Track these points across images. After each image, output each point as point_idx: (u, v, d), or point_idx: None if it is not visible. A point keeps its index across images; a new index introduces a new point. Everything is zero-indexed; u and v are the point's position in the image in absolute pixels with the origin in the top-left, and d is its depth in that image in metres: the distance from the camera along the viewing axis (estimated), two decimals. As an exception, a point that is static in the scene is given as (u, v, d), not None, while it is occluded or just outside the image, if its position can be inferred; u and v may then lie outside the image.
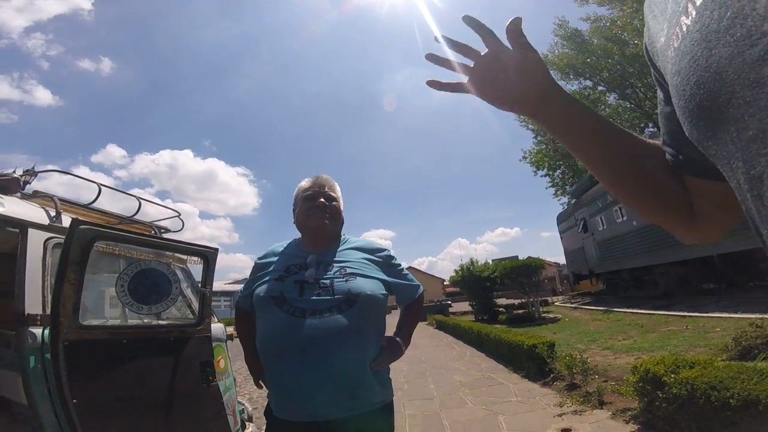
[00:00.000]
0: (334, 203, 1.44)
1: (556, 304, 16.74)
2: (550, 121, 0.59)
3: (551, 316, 11.92)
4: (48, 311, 1.87)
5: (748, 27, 0.27)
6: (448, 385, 5.08)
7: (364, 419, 1.20)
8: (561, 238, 19.13)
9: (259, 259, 1.46)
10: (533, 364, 4.93)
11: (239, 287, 1.71)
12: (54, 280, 1.86)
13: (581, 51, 20.47)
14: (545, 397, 4.01)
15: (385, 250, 1.46)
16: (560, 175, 24.08)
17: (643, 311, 9.08)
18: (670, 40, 0.37)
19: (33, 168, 2.48)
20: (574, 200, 18.01)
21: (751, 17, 0.27)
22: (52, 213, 2.21)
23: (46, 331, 1.81)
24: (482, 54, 0.59)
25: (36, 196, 2.39)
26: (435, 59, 0.63)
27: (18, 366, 1.84)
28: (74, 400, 1.69)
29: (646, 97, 19.55)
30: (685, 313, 7.50)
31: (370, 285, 1.29)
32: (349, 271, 1.30)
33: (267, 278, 1.33)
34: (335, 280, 1.27)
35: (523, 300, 14.49)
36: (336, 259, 1.34)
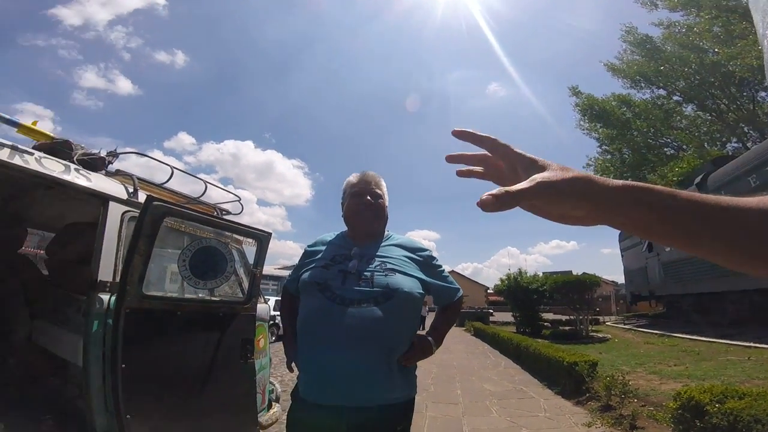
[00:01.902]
0: (379, 200, 1.47)
1: (607, 323, 15.76)
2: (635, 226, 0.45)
3: (600, 335, 11.28)
4: (117, 279, 2.06)
5: None
6: (476, 393, 5.05)
7: (385, 411, 1.24)
8: (622, 255, 17.95)
9: (309, 246, 1.53)
10: (570, 382, 4.77)
11: (287, 273, 1.83)
12: (126, 250, 2.07)
13: (652, 58, 19.04)
14: (575, 415, 3.89)
15: (427, 250, 1.47)
16: (628, 189, 22.37)
17: (703, 338, 8.35)
18: None
19: (115, 150, 2.82)
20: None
21: None
22: (130, 189, 2.45)
23: (113, 298, 2.02)
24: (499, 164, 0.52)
25: (117, 174, 2.69)
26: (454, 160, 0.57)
27: (82, 330, 2.04)
28: (123, 365, 1.85)
29: (729, 109, 17.75)
30: (750, 344, 6.81)
31: (408, 282, 1.31)
32: (389, 266, 1.33)
33: (314, 265, 1.40)
34: (376, 273, 1.30)
35: (572, 317, 13.81)
36: (378, 253, 1.38)
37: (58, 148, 2.44)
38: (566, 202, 0.45)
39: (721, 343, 7.49)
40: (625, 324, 14.72)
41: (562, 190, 0.44)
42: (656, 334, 10.27)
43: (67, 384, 2.38)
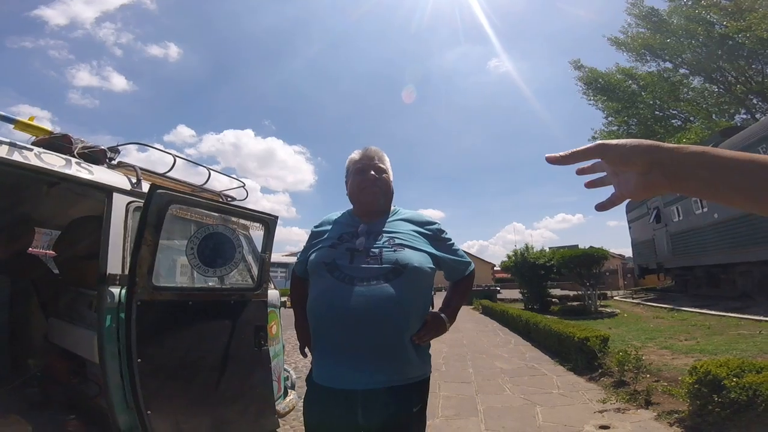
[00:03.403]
0: (384, 175, 1.45)
1: (615, 298, 15.77)
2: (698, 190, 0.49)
3: (609, 310, 11.30)
4: (126, 271, 2.03)
5: None
6: (488, 371, 5.09)
7: (401, 391, 1.22)
8: (629, 227, 17.82)
9: (315, 227, 1.50)
10: (582, 358, 4.78)
11: (295, 259, 1.79)
12: (133, 241, 2.03)
13: (658, 31, 18.61)
14: (589, 392, 3.90)
15: (435, 223, 1.45)
16: (633, 160, 22.27)
17: (712, 312, 8.32)
18: None
19: (116, 146, 2.78)
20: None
21: None
22: (134, 180, 2.43)
23: (123, 291, 2.00)
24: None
25: (120, 166, 2.65)
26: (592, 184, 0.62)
27: (96, 326, 2.03)
28: (138, 360, 1.84)
29: (738, 81, 17.41)
30: (762, 318, 6.78)
31: (418, 257, 1.29)
32: (397, 241, 1.31)
33: (321, 245, 1.38)
34: (384, 249, 1.28)
35: (580, 292, 13.82)
36: (385, 229, 1.36)
37: (57, 143, 2.41)
38: (629, 163, 0.50)
39: (732, 316, 7.45)
40: (633, 298, 14.72)
41: (621, 149, 0.51)
42: (665, 308, 10.26)
43: (87, 382, 2.39)
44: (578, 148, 0.54)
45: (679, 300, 11.72)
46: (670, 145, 0.49)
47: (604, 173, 0.58)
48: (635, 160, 0.50)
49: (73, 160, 2.26)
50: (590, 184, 0.61)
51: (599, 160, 0.55)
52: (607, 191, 0.58)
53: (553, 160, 0.56)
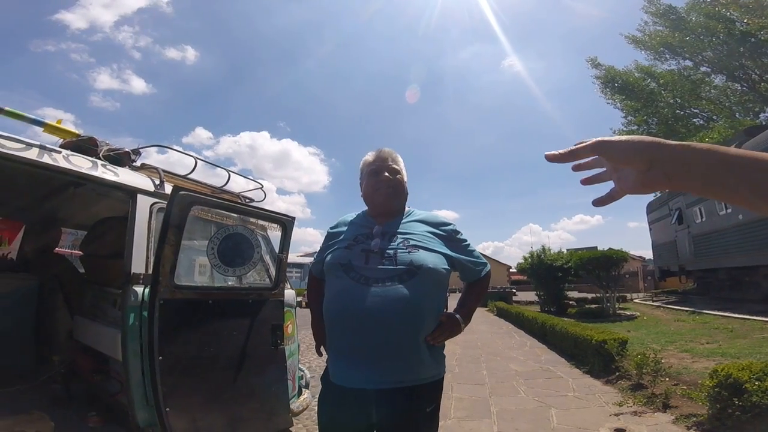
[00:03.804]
0: (398, 176, 1.46)
1: (635, 300, 15.43)
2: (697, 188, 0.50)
3: (628, 313, 11.06)
4: (150, 271, 2.11)
5: None
6: (502, 373, 5.05)
7: (414, 392, 1.23)
8: (650, 229, 17.42)
9: (331, 228, 1.53)
10: (599, 361, 4.70)
11: (310, 260, 1.84)
12: (156, 242, 2.10)
13: (677, 28, 18.19)
14: (605, 395, 3.84)
15: (450, 224, 1.45)
16: (654, 161, 21.82)
17: (735, 315, 8.07)
18: None
19: (138, 148, 2.88)
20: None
21: None
22: (157, 182, 2.51)
23: (146, 290, 2.07)
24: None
25: (143, 168, 2.74)
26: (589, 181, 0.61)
27: (120, 324, 2.10)
28: (160, 357, 1.90)
29: (762, 79, 16.85)
30: (786, 321, 6.55)
31: (432, 258, 1.30)
32: (412, 242, 1.32)
33: (337, 246, 1.40)
34: (399, 250, 1.29)
35: (598, 294, 13.56)
36: (400, 230, 1.37)
37: (83, 146, 2.50)
38: (629, 160, 0.51)
39: (756, 320, 7.21)
40: (653, 301, 14.39)
41: (621, 146, 0.51)
42: (686, 311, 9.99)
43: (109, 379, 2.47)
44: (577, 146, 0.55)
45: (701, 303, 11.39)
46: (673, 142, 0.49)
47: (603, 169, 0.58)
48: (635, 158, 0.50)
49: (99, 162, 2.35)
50: (587, 181, 0.61)
51: (597, 156, 0.56)
52: (607, 186, 0.59)
53: (552, 158, 0.56)
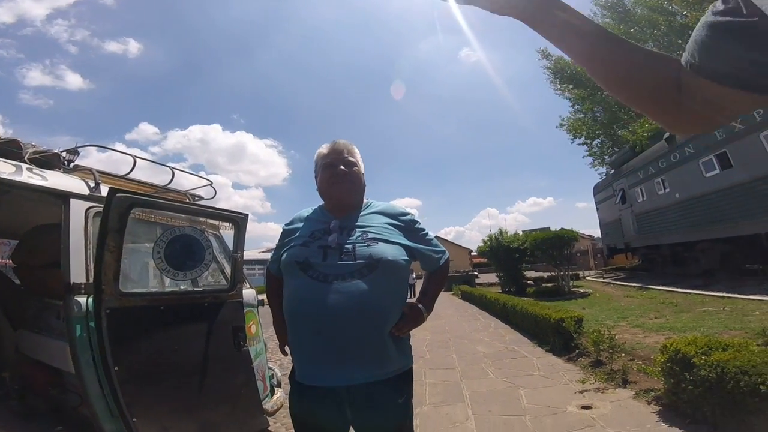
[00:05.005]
0: (354, 168, 1.42)
1: (587, 278, 16.39)
2: (549, 32, 0.61)
3: (581, 290, 11.71)
4: (92, 279, 1.95)
5: None
6: (471, 356, 5.17)
7: (384, 386, 1.22)
8: (597, 209, 18.47)
9: (286, 225, 1.48)
10: (559, 339, 4.91)
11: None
12: (96, 248, 1.94)
13: (622, 21, 19.30)
14: (568, 372, 4.01)
15: (408, 214, 1.44)
16: (598, 145, 23.09)
17: (679, 290, 8.75)
18: None
19: (75, 148, 2.61)
20: (612, 170, 17.23)
21: None
22: (92, 184, 2.31)
23: (90, 300, 1.92)
24: None
25: (76, 169, 2.51)
26: None
27: (66, 335, 1.96)
28: (116, 368, 1.80)
29: (698, 69, 18.32)
30: (724, 294, 7.17)
31: (392, 250, 1.28)
32: (371, 236, 1.30)
33: (293, 243, 1.35)
34: (357, 245, 1.27)
35: (553, 273, 14.25)
36: (358, 224, 1.34)
37: (5, 149, 2.25)
38: None
39: (697, 294, 7.86)
40: (604, 278, 15.34)
41: None
42: (634, 287, 10.72)
43: (67, 392, 2.29)
44: None
45: (647, 278, 12.26)
46: None
47: None
48: None
49: (24, 166, 2.12)
50: None
51: None
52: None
53: None
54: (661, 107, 0.60)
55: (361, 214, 1.39)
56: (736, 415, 2.23)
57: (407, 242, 1.35)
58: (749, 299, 6.48)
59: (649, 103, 0.61)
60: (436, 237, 1.53)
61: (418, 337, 6.45)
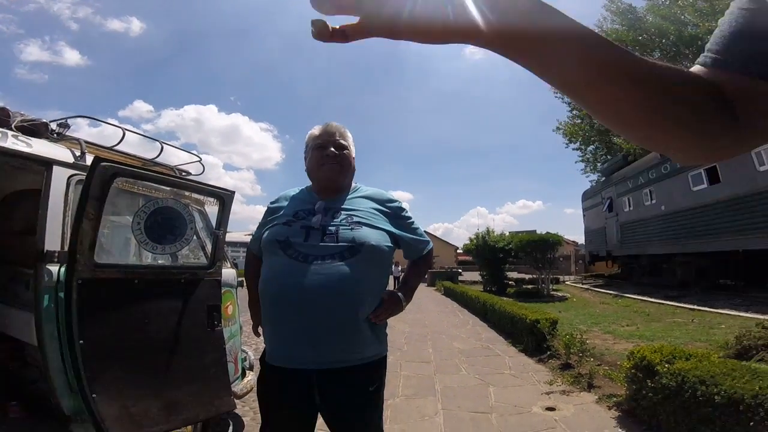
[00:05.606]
0: (345, 152, 1.40)
1: (567, 283, 16.70)
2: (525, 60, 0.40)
3: (560, 294, 11.95)
4: (66, 248, 1.90)
5: None
6: (447, 351, 5.25)
7: (356, 372, 1.21)
8: (584, 215, 18.75)
9: (271, 203, 1.46)
10: (533, 340, 5.00)
11: None
12: (74, 217, 1.89)
13: (632, 28, 19.14)
14: (538, 373, 4.11)
15: (396, 201, 1.43)
16: (593, 151, 23.25)
17: (652, 300, 8.98)
18: None
19: (64, 119, 2.55)
20: (603, 178, 17.46)
21: None
22: (78, 153, 2.26)
23: (62, 270, 1.87)
24: None
25: (63, 139, 2.44)
26: None
27: (33, 307, 1.91)
28: (80, 341, 1.74)
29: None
30: (695, 306, 7.40)
31: (376, 235, 1.26)
32: (355, 219, 1.28)
33: (275, 222, 1.34)
34: (341, 227, 1.25)
35: (535, 276, 14.46)
36: (344, 206, 1.33)
37: None
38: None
39: (669, 305, 8.08)
40: (583, 283, 15.65)
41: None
42: (611, 294, 10.97)
43: (27, 366, 2.24)
44: None
45: (624, 287, 12.53)
46: None
47: None
48: None
49: (10, 133, 2.06)
50: None
51: None
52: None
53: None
54: (709, 134, 0.43)
55: (348, 197, 1.38)
56: (690, 423, 2.31)
57: (392, 229, 1.34)
58: (717, 312, 6.72)
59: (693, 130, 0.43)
60: (425, 232, 1.54)
61: (397, 329, 6.53)
